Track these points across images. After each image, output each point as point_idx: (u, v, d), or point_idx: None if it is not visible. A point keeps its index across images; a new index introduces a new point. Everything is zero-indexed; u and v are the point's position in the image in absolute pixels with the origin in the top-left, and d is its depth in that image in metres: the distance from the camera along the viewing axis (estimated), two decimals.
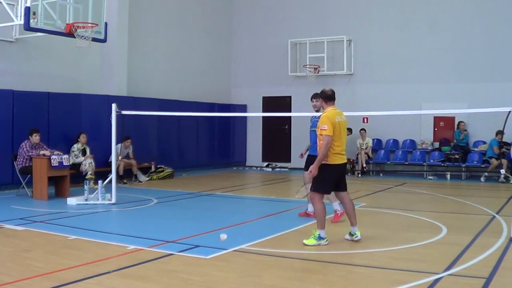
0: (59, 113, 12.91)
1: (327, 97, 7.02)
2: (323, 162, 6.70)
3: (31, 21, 10.14)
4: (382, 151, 17.05)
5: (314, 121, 8.36)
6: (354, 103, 17.44)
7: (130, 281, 5.25)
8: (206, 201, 11.27)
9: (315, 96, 8.54)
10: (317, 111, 8.10)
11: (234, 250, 6.46)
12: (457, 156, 15.58)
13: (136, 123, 14.35)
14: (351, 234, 7.05)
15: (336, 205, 8.71)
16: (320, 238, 6.77)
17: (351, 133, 16.98)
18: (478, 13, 16.11)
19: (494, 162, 14.63)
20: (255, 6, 19.67)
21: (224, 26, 19.86)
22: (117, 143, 11.02)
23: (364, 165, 16.44)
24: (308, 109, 13.86)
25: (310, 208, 8.95)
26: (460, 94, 15.85)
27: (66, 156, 11.23)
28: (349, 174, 16.83)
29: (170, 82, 17.11)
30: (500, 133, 14.75)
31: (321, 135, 6.74)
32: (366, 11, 17.70)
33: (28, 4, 10.04)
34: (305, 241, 6.78)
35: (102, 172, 12.72)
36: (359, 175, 16.38)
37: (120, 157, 13.30)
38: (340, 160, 6.90)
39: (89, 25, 11.08)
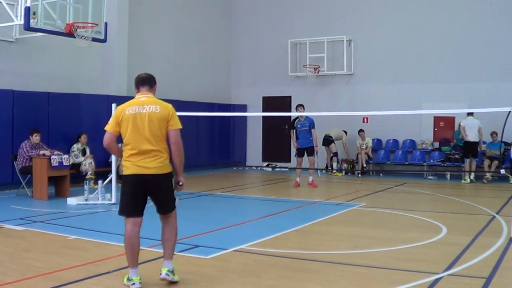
0: (59, 113, 12.91)
1: (136, 82, 5.24)
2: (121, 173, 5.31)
3: (31, 21, 10.14)
4: (382, 151, 17.05)
5: (303, 123, 12.86)
6: (354, 103, 17.49)
7: None
8: (206, 201, 11.27)
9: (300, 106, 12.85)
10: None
11: (234, 250, 6.47)
12: (457, 156, 15.58)
13: None
14: (170, 272, 5.08)
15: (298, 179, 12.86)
16: (128, 279, 4.96)
17: (346, 135, 17.06)
18: (478, 13, 16.10)
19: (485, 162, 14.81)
20: (255, 6, 19.66)
21: (224, 26, 19.86)
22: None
23: (364, 165, 16.45)
24: (308, 109, 13.91)
25: (310, 178, 13.17)
26: (460, 94, 15.85)
27: (66, 156, 11.24)
28: (349, 174, 16.88)
29: (170, 82, 17.07)
30: (495, 134, 14.77)
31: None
32: (366, 11, 17.70)
33: (28, 4, 10.05)
34: None
35: (102, 172, 12.73)
36: (359, 175, 16.39)
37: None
38: (134, 169, 4.96)
39: (89, 25, 11.08)
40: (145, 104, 5.03)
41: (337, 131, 16.91)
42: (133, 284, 4.91)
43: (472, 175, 14.71)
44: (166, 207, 5.13)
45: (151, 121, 4.96)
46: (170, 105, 5.16)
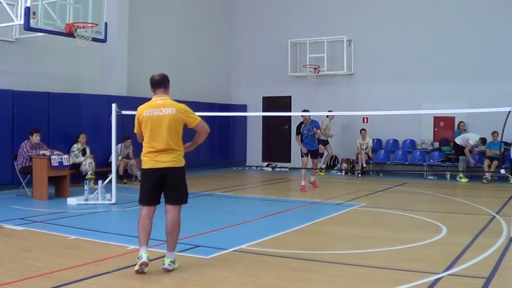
0: (59, 113, 12.90)
1: (151, 84, 5.73)
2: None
3: (31, 21, 10.15)
4: (382, 151, 17.05)
5: (309, 129, 12.62)
6: (354, 103, 17.49)
7: (130, 281, 5.25)
8: (206, 201, 11.27)
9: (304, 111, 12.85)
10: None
11: (234, 250, 6.47)
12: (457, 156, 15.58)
13: None
14: (172, 262, 5.58)
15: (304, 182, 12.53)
16: (138, 258, 5.47)
17: (332, 118, 16.63)
18: (478, 13, 16.10)
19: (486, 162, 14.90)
20: (255, 6, 19.66)
21: (224, 26, 19.86)
22: (117, 143, 11.02)
23: (364, 165, 16.44)
24: (308, 109, 13.85)
25: (312, 178, 13.25)
26: (460, 94, 15.84)
27: (66, 156, 11.24)
28: (349, 174, 16.88)
29: (170, 82, 17.09)
30: (495, 133, 14.81)
31: None
32: (366, 11, 17.70)
33: (28, 4, 10.05)
34: None
35: (102, 172, 12.72)
36: (359, 175, 16.39)
37: (120, 157, 13.30)
38: (151, 164, 5.54)
39: (89, 25, 11.08)
40: (161, 107, 5.55)
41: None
42: (141, 258, 5.39)
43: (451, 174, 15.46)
44: (176, 198, 5.59)
45: (169, 123, 5.49)
46: (183, 106, 5.67)
